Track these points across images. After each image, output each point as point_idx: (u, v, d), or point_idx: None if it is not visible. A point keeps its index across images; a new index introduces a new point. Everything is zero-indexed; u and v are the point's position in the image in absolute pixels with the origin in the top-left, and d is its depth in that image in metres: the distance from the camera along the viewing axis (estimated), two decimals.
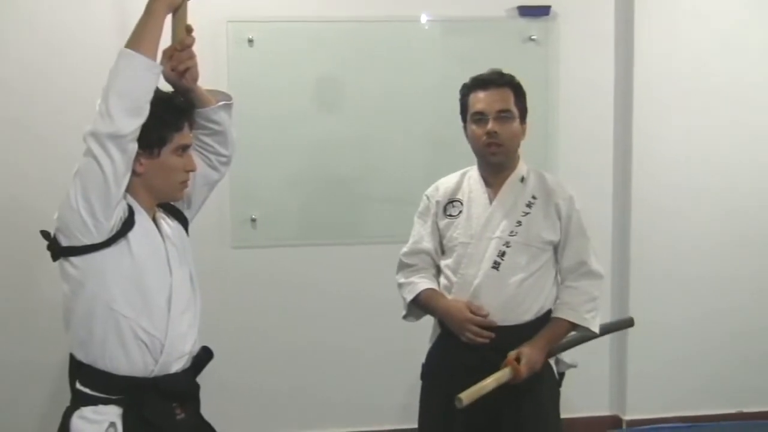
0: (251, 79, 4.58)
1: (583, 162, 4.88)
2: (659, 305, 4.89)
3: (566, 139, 4.83)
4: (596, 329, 3.15)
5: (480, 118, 3.09)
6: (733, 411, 5.07)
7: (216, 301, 4.33)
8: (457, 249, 3.15)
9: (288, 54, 4.64)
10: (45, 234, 2.39)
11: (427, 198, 3.31)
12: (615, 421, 5.06)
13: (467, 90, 3.17)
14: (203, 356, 2.60)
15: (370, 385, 4.80)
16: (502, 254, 3.07)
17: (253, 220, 4.67)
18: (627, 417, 5.02)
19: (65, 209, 2.27)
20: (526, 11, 4.73)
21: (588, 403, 5.04)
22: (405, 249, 3.31)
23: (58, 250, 2.34)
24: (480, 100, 3.10)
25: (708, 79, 4.85)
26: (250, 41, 4.57)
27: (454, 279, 3.16)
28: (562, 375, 3.30)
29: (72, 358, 2.46)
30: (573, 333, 3.19)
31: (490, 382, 2.93)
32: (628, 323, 3.71)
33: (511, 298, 3.07)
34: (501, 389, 2.95)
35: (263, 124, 4.62)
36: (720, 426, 5.02)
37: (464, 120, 3.20)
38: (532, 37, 4.77)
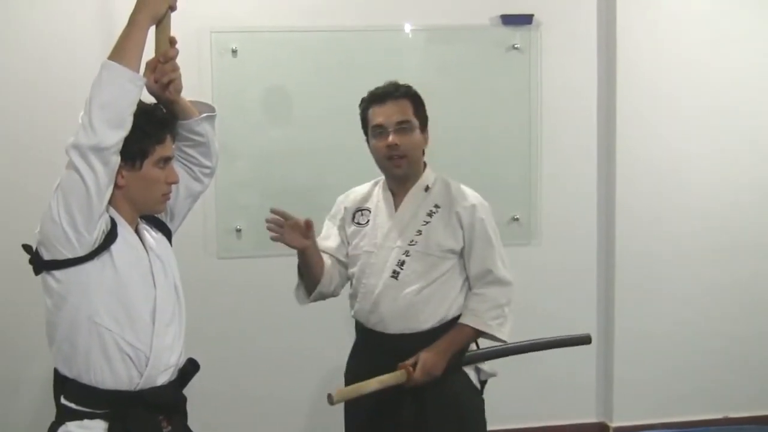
0: (235, 89, 4.59)
1: (567, 170, 4.90)
2: (645, 312, 4.91)
3: (550, 146, 4.85)
4: (503, 336, 3.13)
5: (380, 131, 3.10)
6: (719, 416, 5.09)
7: (202, 311, 4.33)
8: (362, 258, 3.18)
9: (272, 64, 4.65)
10: (27, 248, 2.37)
11: (338, 203, 3.37)
12: (602, 428, 5.07)
13: (366, 105, 3.18)
14: (189, 368, 2.58)
15: None
16: (402, 263, 3.09)
17: (238, 231, 4.67)
18: (614, 424, 5.02)
19: (47, 222, 2.25)
20: (509, 20, 4.75)
21: (575, 410, 5.06)
22: None
23: (40, 264, 2.32)
24: (378, 113, 3.11)
25: (691, 86, 4.89)
26: (234, 51, 4.57)
27: (359, 288, 3.19)
28: (483, 383, 3.27)
29: (56, 372, 2.44)
30: (497, 344, 3.19)
31: (371, 383, 2.97)
32: (585, 340, 3.47)
33: (409, 307, 3.07)
34: (399, 390, 3.01)
35: (248, 134, 4.62)
36: (707, 431, 5.03)
37: (366, 134, 3.21)
38: (516, 46, 4.78)
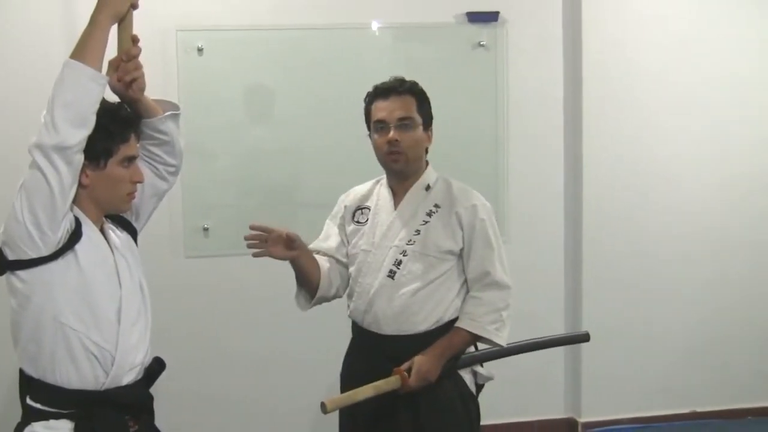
0: (201, 88, 4.58)
1: (534, 167, 4.92)
2: (612, 308, 4.94)
3: (516, 144, 4.88)
4: (501, 341, 3.07)
5: (382, 126, 3.06)
6: (686, 411, 5.14)
7: (169, 310, 4.31)
8: (359, 256, 3.15)
9: (238, 62, 4.64)
10: None
11: (339, 202, 3.33)
12: (570, 423, 5.10)
13: (370, 99, 3.14)
14: (156, 367, 2.57)
15: (325, 393, 4.77)
16: (399, 263, 3.05)
17: (206, 230, 4.65)
18: (582, 419, 5.06)
19: (11, 222, 2.24)
20: (474, 17, 4.77)
21: (544, 405, 5.08)
22: (311, 244, 3.26)
23: (5, 264, 2.31)
24: (381, 108, 3.07)
25: (657, 84, 4.93)
26: (200, 50, 4.56)
27: (355, 287, 3.16)
28: (480, 387, 3.24)
29: (21, 373, 2.42)
30: (491, 347, 3.15)
31: (365, 390, 2.92)
32: (584, 338, 3.56)
33: (404, 308, 3.04)
34: (393, 396, 2.97)
35: (214, 132, 4.61)
36: (674, 426, 5.09)
37: (369, 128, 3.17)
38: (481, 43, 4.81)
